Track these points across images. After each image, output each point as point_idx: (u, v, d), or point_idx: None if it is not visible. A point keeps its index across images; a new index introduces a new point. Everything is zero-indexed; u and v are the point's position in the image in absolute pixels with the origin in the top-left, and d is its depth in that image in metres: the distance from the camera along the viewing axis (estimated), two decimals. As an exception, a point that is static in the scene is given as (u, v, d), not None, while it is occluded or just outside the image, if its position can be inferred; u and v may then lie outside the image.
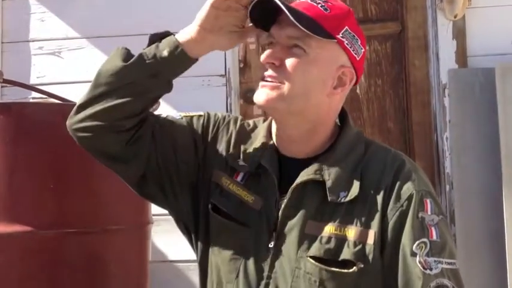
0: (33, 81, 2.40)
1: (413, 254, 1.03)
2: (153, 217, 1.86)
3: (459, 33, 2.28)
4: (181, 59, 1.10)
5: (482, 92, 2.21)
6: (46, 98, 1.93)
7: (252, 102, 2.35)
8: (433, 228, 1.04)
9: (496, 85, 2.14)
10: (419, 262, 1.02)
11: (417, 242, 1.03)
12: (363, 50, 1.12)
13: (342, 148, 1.11)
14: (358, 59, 1.11)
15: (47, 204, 1.58)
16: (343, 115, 1.16)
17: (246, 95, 2.39)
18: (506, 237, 2.06)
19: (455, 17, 2.26)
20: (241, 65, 2.41)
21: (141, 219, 1.77)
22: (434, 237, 1.03)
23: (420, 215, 1.04)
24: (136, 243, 1.76)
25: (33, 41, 2.45)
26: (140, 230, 1.77)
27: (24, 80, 2.21)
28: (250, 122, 1.21)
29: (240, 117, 1.21)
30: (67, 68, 2.42)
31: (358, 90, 2.37)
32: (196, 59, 1.12)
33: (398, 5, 2.39)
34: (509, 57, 2.23)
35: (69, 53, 2.43)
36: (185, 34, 1.10)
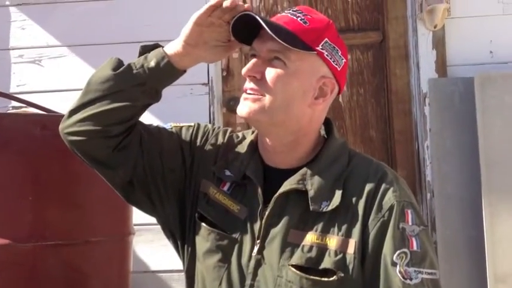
0: (13, 89, 2.37)
1: (394, 264, 1.03)
2: (135, 227, 1.84)
3: (439, 43, 2.31)
4: (167, 70, 1.12)
5: (462, 101, 2.24)
6: (26, 106, 1.91)
7: (235, 111, 2.36)
8: (413, 239, 1.05)
9: (475, 94, 2.18)
10: (400, 272, 1.03)
11: (397, 252, 1.04)
12: (344, 61, 1.13)
13: (326, 159, 1.12)
14: (339, 69, 1.12)
15: (25, 216, 1.54)
16: (329, 126, 1.18)
17: (229, 104, 2.39)
18: (486, 245, 2.09)
19: (435, 27, 2.30)
20: (224, 74, 2.42)
21: (122, 230, 1.75)
22: (415, 248, 1.04)
23: (401, 225, 1.06)
24: (117, 254, 1.74)
25: (13, 49, 2.42)
26: (121, 241, 1.75)
27: (4, 88, 2.18)
28: (240, 134, 1.23)
29: (229, 129, 1.23)
30: (48, 76, 2.40)
31: (340, 99, 2.38)
32: (184, 71, 1.15)
33: (379, 15, 2.42)
34: (488, 66, 2.27)
35: (50, 61, 2.41)
36: (172, 47, 1.13)
